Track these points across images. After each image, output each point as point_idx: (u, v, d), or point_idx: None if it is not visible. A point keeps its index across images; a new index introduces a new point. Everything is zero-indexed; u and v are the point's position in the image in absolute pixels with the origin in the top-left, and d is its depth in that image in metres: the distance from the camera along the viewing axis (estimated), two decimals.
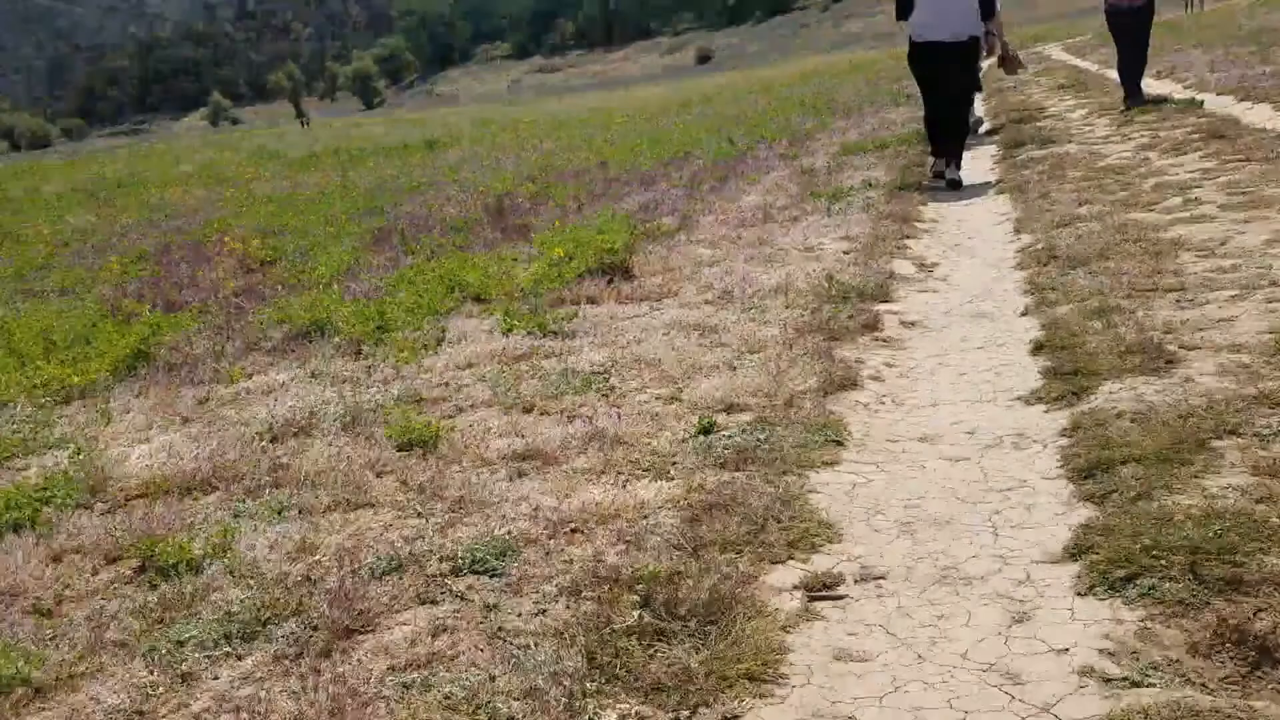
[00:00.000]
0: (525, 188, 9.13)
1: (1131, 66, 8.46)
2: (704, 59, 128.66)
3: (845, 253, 4.63)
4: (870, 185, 6.50)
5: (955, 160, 6.40)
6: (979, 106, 8.67)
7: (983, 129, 8.97)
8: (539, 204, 8.05)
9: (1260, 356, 2.44)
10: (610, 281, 4.75)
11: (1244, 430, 2.05)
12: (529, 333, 3.87)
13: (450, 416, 2.98)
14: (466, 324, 4.08)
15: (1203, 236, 3.74)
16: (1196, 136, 6.07)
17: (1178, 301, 3.00)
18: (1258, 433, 2.03)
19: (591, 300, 4.46)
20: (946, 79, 6.40)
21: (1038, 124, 8.56)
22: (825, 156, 8.71)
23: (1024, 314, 3.30)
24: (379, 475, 2.58)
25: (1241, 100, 7.75)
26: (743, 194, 7.20)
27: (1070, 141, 7.10)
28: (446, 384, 3.31)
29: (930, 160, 6.80)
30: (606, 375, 3.23)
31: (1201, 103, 7.69)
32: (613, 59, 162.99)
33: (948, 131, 6.49)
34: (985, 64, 9.15)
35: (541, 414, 2.89)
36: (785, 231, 5.42)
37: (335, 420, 3.02)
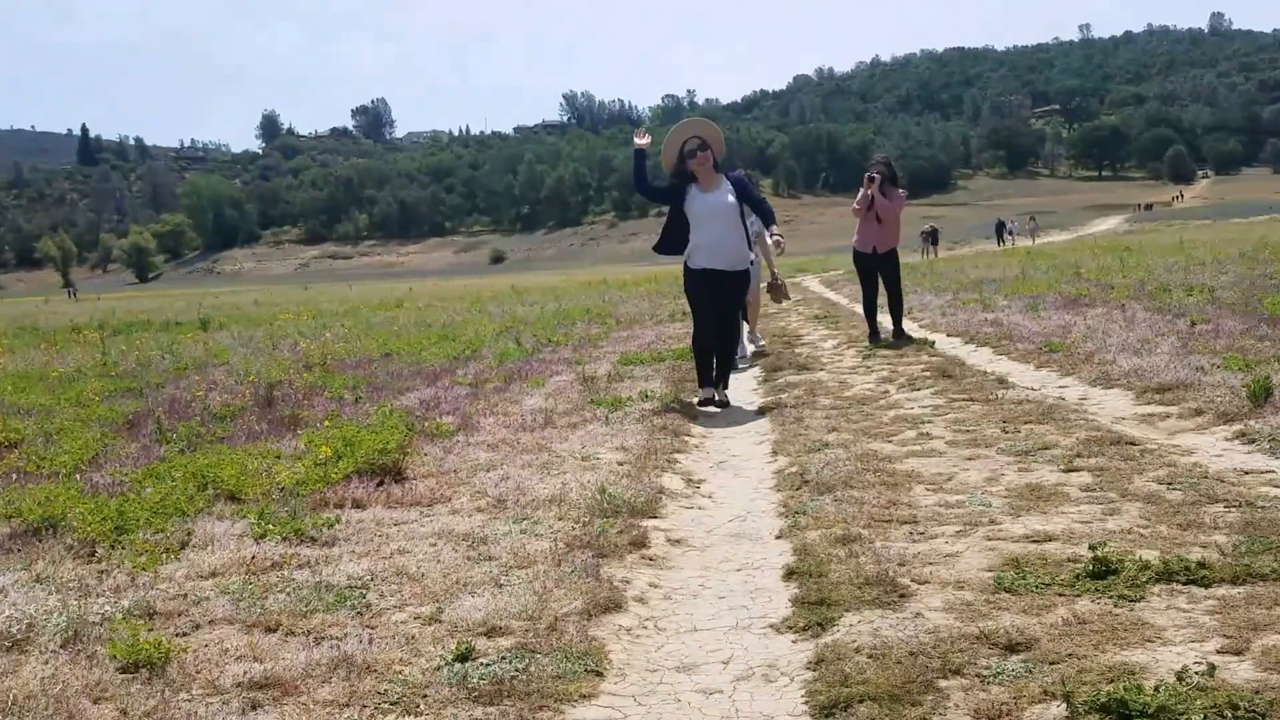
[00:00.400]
0: (302, 377, 8.90)
1: (893, 309, 9.10)
2: (497, 260, 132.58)
3: (620, 463, 4.77)
4: (646, 397, 6.78)
5: (723, 381, 6.80)
6: (745, 333, 8.96)
7: (751, 350, 9.37)
8: (314, 395, 7.86)
9: (981, 594, 2.67)
10: (380, 484, 4.65)
11: (967, 670, 2.22)
12: (284, 538, 3.71)
13: (185, 634, 2.77)
14: (216, 526, 3.85)
15: (933, 470, 4.12)
16: (929, 374, 6.76)
17: (910, 534, 3.26)
18: (979, 673, 2.20)
19: (358, 504, 4.34)
20: (719, 305, 6.67)
21: (795, 350, 9.29)
22: (608, 364, 9.04)
23: (779, 537, 3.48)
24: (96, 702, 2.34)
25: (967, 343, 8.74)
26: (526, 396, 7.32)
27: (823, 369, 7.73)
28: (185, 595, 3.08)
29: (700, 391, 6.70)
30: (364, 590, 3.12)
31: (933, 343, 8.65)
32: (406, 251, 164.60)
33: (719, 356, 6.77)
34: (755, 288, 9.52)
35: (288, 634, 2.74)
36: (564, 438, 5.54)
37: (56, 634, 2.74)
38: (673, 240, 6.85)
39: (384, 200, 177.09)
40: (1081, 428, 4.67)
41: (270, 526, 3.81)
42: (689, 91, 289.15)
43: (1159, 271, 13.95)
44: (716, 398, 6.62)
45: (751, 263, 7.89)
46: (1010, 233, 48.99)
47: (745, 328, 8.83)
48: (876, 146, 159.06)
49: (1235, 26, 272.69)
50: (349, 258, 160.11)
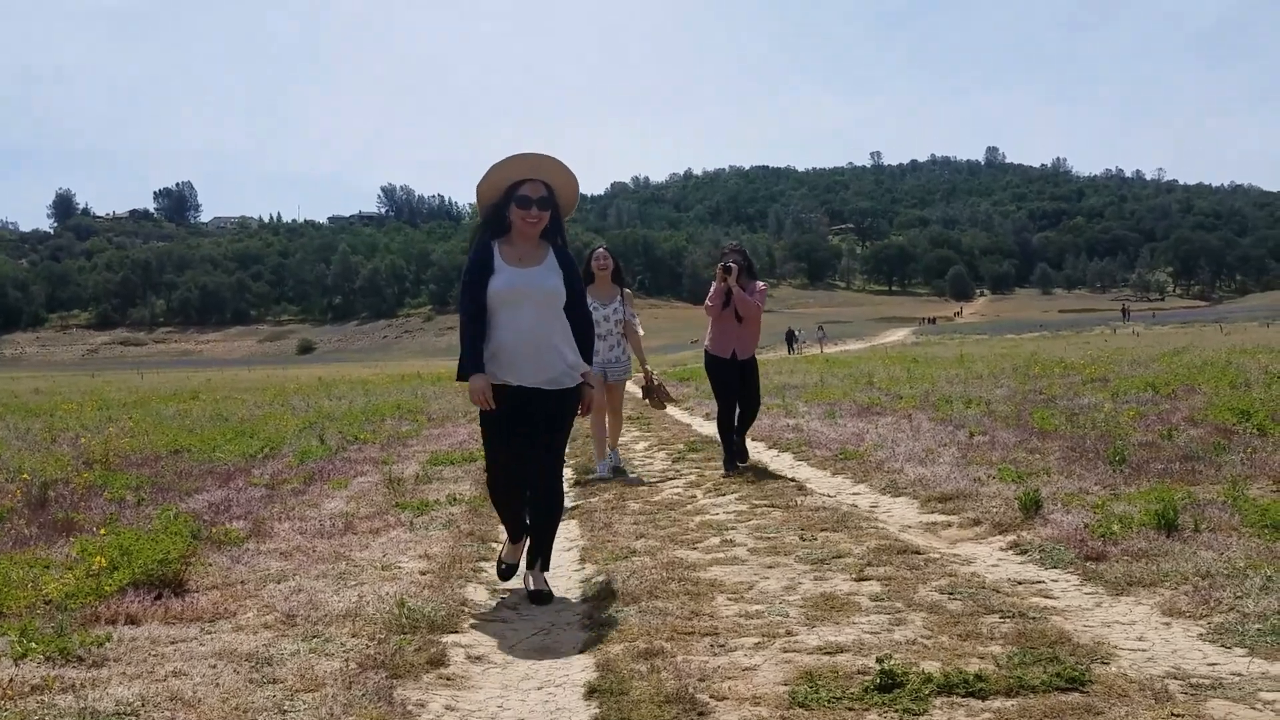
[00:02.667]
0: (81, 475, 8.22)
1: (742, 421, 7.71)
2: (305, 350, 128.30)
3: (422, 573, 4.62)
4: (455, 500, 6.64)
5: (542, 558, 5.80)
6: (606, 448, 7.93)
7: (608, 466, 7.87)
8: (93, 495, 7.28)
9: (776, 710, 2.73)
10: (158, 597, 4.32)
11: None
12: (48, 658, 3.37)
13: None
14: None
15: (735, 579, 4.21)
16: (734, 480, 6.95)
17: (712, 646, 3.30)
18: None
19: (132, 619, 4.01)
20: (531, 440, 4.44)
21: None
22: (416, 464, 8.82)
23: (583, 651, 3.44)
24: None
25: (770, 448, 9.07)
26: (327, 499, 7.03)
27: (634, 472, 7.82)
28: None
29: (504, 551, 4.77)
30: (134, 717, 2.86)
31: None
32: (206, 339, 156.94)
33: (536, 525, 4.98)
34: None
35: None
36: (365, 545, 5.32)
37: None
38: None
39: (184, 285, 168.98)
40: (872, 536, 4.90)
41: (33, 645, 3.46)
42: None
43: (942, 383, 14.99)
44: (530, 584, 4.36)
45: (617, 362, 7.72)
46: (799, 341, 51.52)
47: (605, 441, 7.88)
48: (688, 253, 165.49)
49: (1009, 160, 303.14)
50: (142, 344, 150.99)
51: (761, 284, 7.80)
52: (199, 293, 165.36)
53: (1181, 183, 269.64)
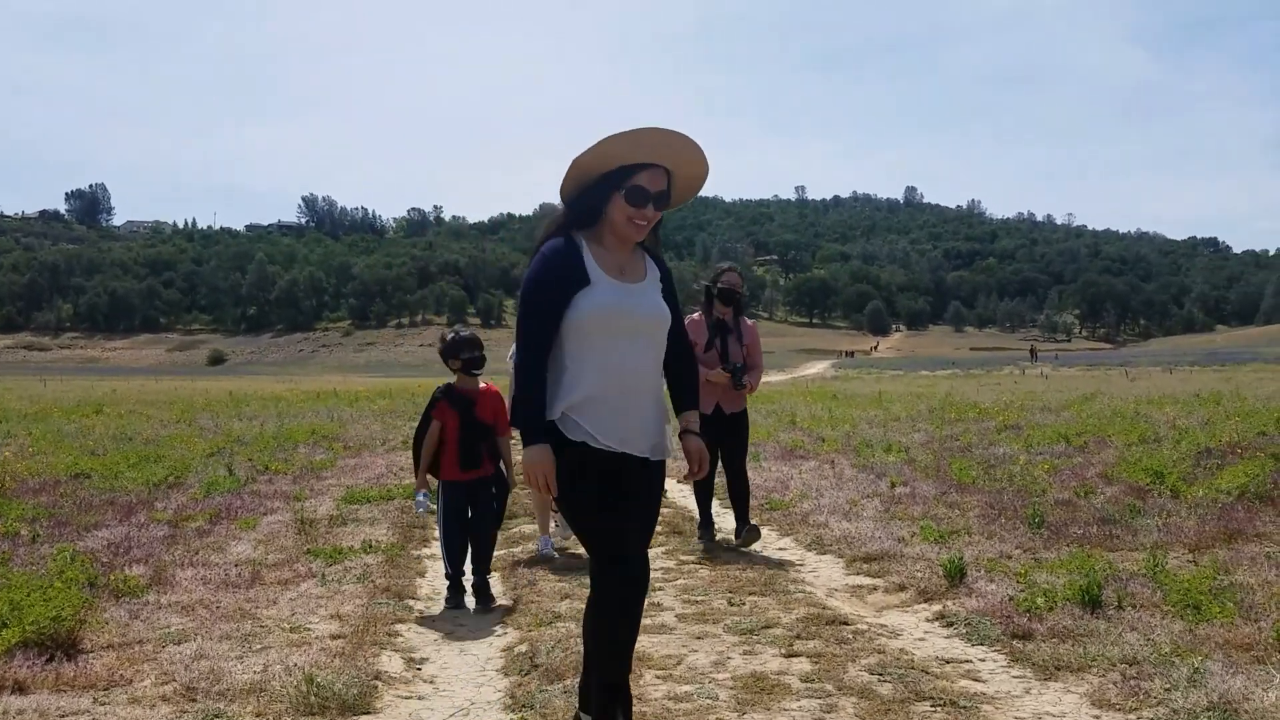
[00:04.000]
0: None
1: (736, 495, 6.49)
2: (216, 361, 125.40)
3: (334, 637, 4.40)
4: (370, 548, 6.40)
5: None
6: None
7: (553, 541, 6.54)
8: None
9: None
10: (50, 659, 4.04)
11: None
12: None
13: None
14: None
15: (664, 652, 4.10)
16: (661, 529, 6.85)
17: None
18: None
19: (20, 687, 3.74)
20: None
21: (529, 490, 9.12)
22: (330, 502, 8.53)
23: None
24: None
25: None
26: (234, 541, 6.73)
27: (558, 515, 7.65)
28: None
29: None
30: None
31: (664, 492, 8.80)
32: (113, 346, 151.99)
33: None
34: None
35: None
36: (273, 600, 5.08)
37: None
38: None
39: (93, 290, 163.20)
40: (800, 603, 4.84)
41: None
42: (436, 207, 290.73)
43: (862, 425, 15.15)
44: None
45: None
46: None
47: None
48: None
49: (926, 200, 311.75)
50: (47, 349, 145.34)
51: (750, 324, 6.59)
52: (108, 298, 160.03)
53: (1090, 228, 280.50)
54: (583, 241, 3.00)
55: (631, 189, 2.93)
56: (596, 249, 3.00)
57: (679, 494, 8.95)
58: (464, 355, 5.29)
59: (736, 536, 6.39)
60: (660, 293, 3.09)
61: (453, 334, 5.46)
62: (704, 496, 6.56)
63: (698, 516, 6.67)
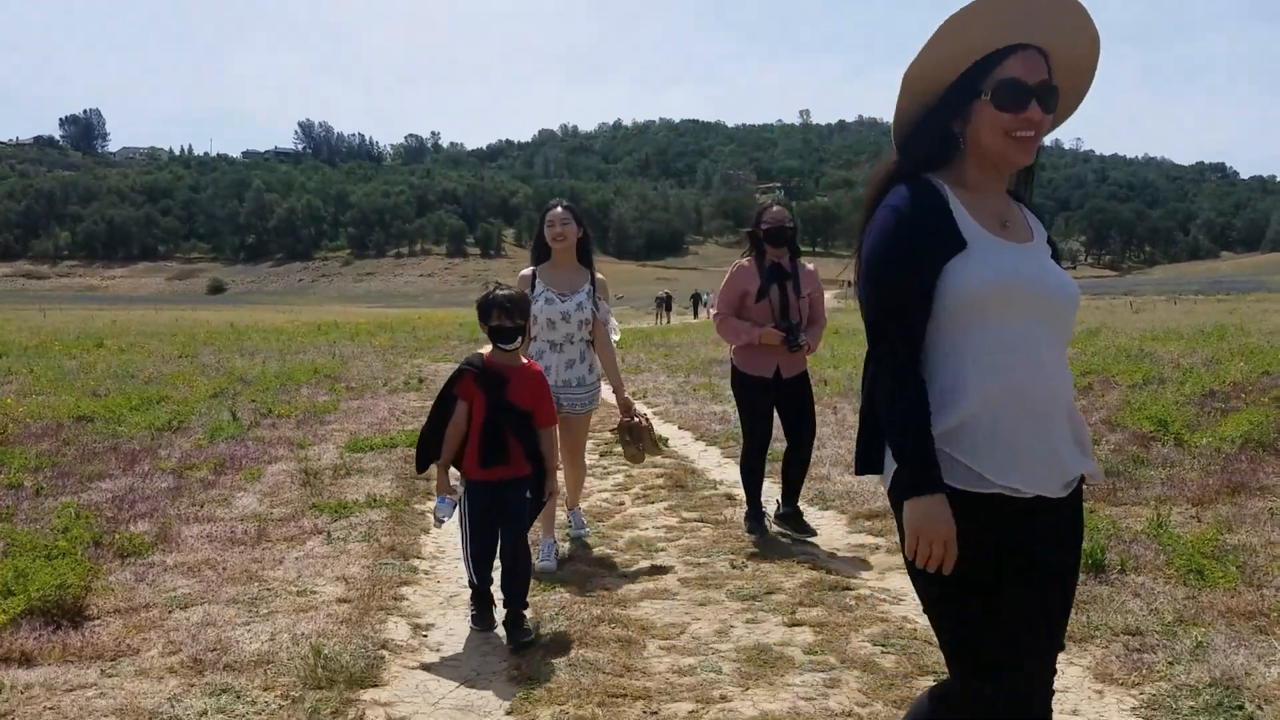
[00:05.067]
0: None
1: (790, 471, 5.62)
2: (216, 290, 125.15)
3: (340, 601, 4.43)
4: (375, 502, 6.42)
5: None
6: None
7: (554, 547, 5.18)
8: None
9: None
10: (57, 628, 4.06)
11: None
12: None
13: None
14: None
15: (666, 620, 4.12)
16: (663, 483, 6.86)
17: (644, 714, 3.20)
18: None
19: (27, 658, 3.77)
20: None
21: None
22: (334, 450, 8.54)
23: (509, 714, 3.31)
24: None
25: (698, 439, 9.00)
26: (239, 493, 6.75)
27: (559, 468, 7.65)
28: None
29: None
30: None
31: (666, 441, 8.77)
32: (112, 274, 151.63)
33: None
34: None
35: None
36: (279, 560, 5.10)
37: None
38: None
39: (90, 218, 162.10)
40: (803, 566, 4.86)
41: None
42: (433, 133, 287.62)
43: (850, 369, 15.08)
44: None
45: (581, 384, 5.18)
46: (705, 304, 50.88)
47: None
48: (615, 207, 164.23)
49: None
50: (45, 278, 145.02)
51: (809, 269, 5.61)
52: (105, 226, 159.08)
53: (1098, 153, 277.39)
54: (945, 188, 2.05)
55: (1002, 86, 1.97)
56: (963, 195, 2.06)
57: (679, 442, 8.96)
58: (492, 322, 4.00)
59: (775, 516, 5.63)
60: (1054, 257, 2.17)
61: (489, 290, 4.14)
62: (752, 476, 5.57)
63: (744, 500, 5.69)
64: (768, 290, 5.42)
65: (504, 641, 3.97)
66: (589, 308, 5.12)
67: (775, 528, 5.59)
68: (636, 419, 5.21)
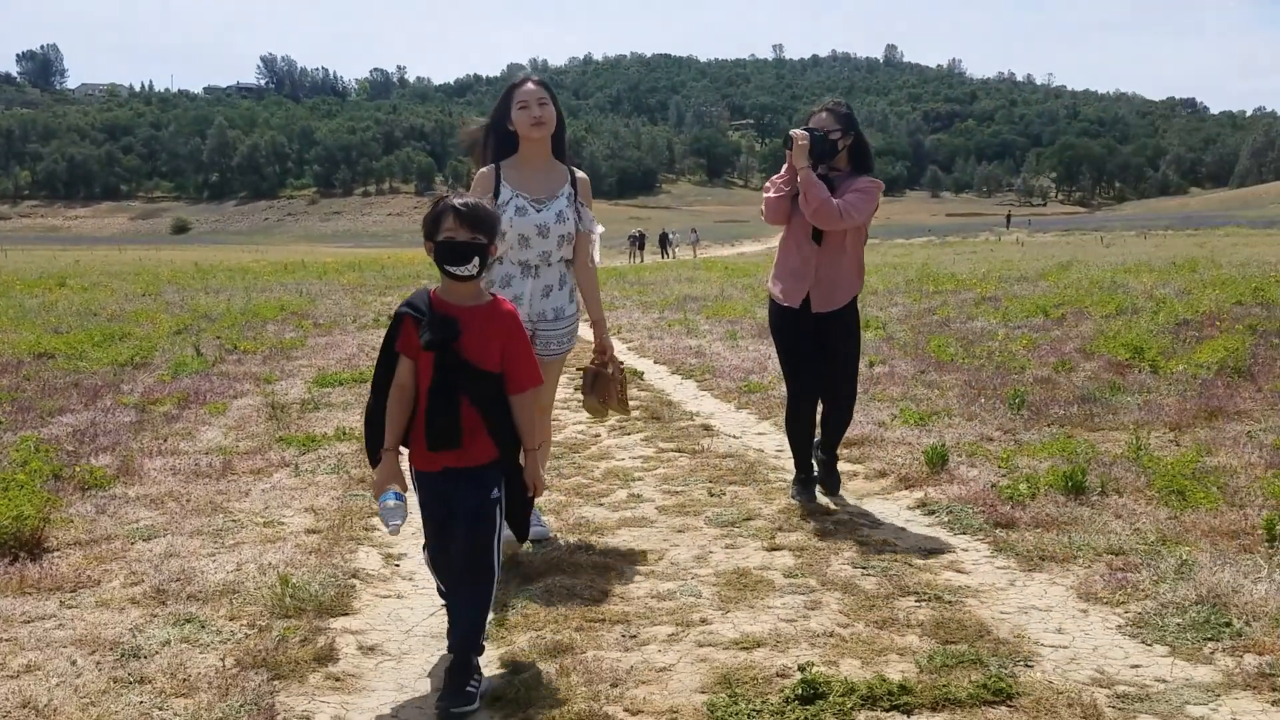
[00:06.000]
0: None
1: (829, 423, 4.72)
2: (180, 229, 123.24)
3: (309, 532, 4.31)
4: (344, 435, 6.28)
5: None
6: None
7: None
8: None
9: None
10: (14, 560, 3.93)
11: None
12: None
13: None
14: None
15: (645, 546, 4.04)
16: (639, 415, 6.76)
17: (623, 638, 3.12)
18: None
19: None
20: None
21: None
22: (301, 385, 8.37)
23: (486, 640, 3.22)
24: None
25: (674, 373, 8.90)
26: (204, 427, 6.59)
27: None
28: None
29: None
30: None
31: (641, 374, 8.68)
32: (74, 214, 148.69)
33: None
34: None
35: None
36: (245, 492, 4.97)
37: None
38: None
39: (50, 156, 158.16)
40: (781, 493, 4.79)
41: None
42: (399, 68, 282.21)
43: None
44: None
45: (559, 318, 4.08)
46: (672, 244, 50.55)
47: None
48: (587, 144, 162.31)
49: (907, 59, 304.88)
50: (6, 219, 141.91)
51: (869, 180, 4.52)
52: (66, 165, 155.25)
53: (1070, 88, 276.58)
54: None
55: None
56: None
57: (655, 376, 8.85)
58: (441, 235, 2.85)
59: (822, 483, 4.81)
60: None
61: (439, 198, 2.99)
62: (794, 431, 4.71)
63: (792, 462, 4.82)
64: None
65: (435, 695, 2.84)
66: (571, 218, 4.00)
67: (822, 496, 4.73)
68: (610, 368, 4.14)
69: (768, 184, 4.67)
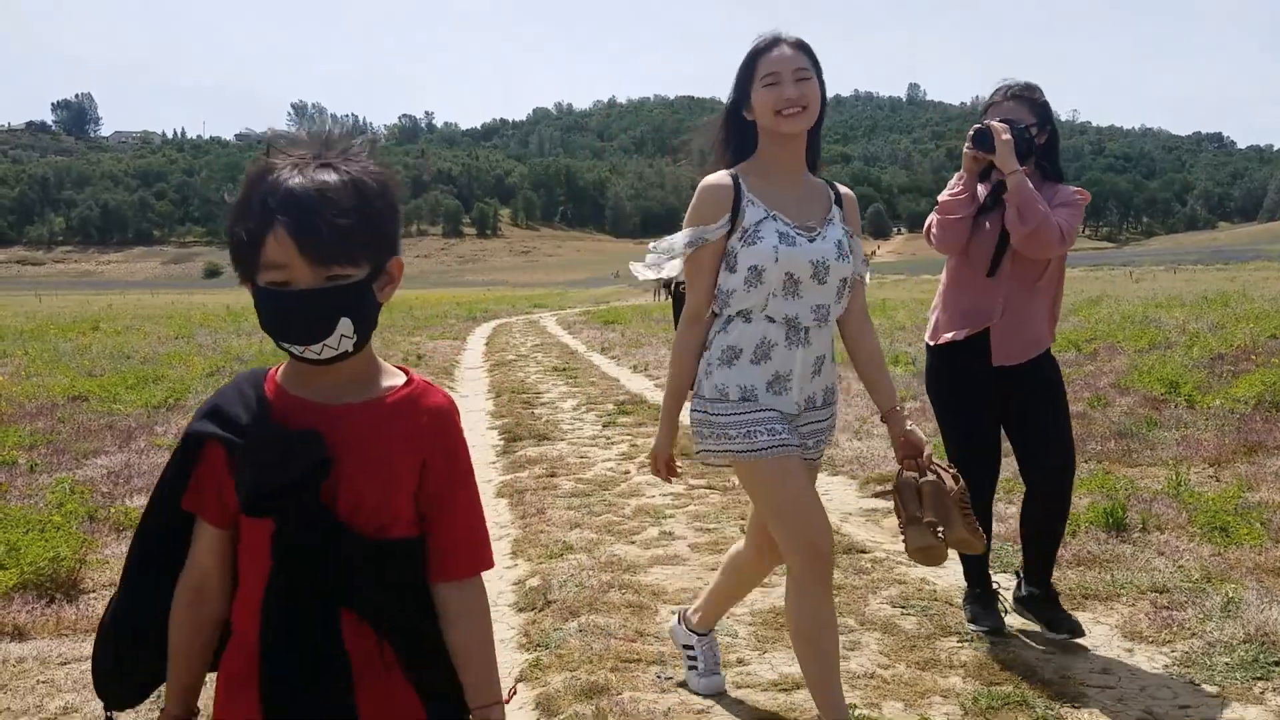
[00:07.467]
0: None
1: (1027, 522, 3.41)
2: (213, 274, 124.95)
3: None
4: None
5: None
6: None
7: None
8: None
9: None
10: (51, 601, 3.95)
11: None
12: None
13: None
14: None
15: (678, 585, 4.00)
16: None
17: (659, 679, 3.09)
18: None
19: (20, 632, 3.65)
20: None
21: (535, 412, 8.93)
22: None
23: (521, 680, 3.20)
24: None
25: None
26: None
27: (563, 439, 7.52)
28: None
29: None
30: None
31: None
32: (107, 259, 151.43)
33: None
34: None
35: None
36: None
37: None
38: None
39: (84, 203, 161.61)
40: None
41: None
42: (427, 113, 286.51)
43: None
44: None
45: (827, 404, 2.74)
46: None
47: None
48: (611, 185, 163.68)
49: (929, 98, 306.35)
50: (41, 264, 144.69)
51: (1074, 190, 3.36)
52: (100, 211, 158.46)
53: (1095, 124, 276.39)
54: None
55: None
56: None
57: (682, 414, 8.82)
58: (261, 276, 1.27)
59: (1032, 608, 3.40)
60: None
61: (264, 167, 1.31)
62: (976, 556, 3.25)
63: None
64: (982, 221, 3.33)
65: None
66: (849, 253, 2.64)
67: (1014, 618, 3.46)
68: (937, 473, 2.76)
69: (944, 198, 3.38)
